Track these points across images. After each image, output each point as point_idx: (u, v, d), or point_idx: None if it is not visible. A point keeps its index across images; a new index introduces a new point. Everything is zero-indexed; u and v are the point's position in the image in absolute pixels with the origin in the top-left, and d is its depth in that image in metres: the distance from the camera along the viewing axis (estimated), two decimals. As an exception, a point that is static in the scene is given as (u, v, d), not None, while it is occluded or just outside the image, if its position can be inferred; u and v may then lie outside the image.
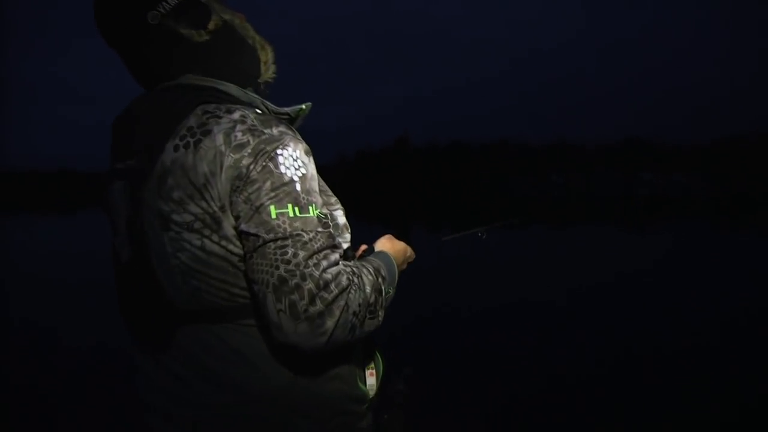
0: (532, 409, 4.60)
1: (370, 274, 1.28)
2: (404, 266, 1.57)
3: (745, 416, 4.44)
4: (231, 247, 1.18)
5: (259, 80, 1.40)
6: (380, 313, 1.28)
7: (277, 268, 1.11)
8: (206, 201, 1.15)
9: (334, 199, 1.37)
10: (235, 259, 1.19)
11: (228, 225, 1.17)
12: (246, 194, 1.14)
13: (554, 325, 7.08)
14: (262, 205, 1.13)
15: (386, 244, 1.53)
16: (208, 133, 1.16)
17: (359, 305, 1.19)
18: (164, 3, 1.25)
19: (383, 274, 1.33)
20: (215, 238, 1.17)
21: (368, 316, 1.23)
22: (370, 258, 1.39)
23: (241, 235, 1.16)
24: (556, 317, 7.46)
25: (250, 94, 1.33)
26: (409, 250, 1.60)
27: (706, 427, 4.27)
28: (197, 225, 1.17)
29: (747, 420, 4.39)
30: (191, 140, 1.17)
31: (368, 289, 1.23)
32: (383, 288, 1.30)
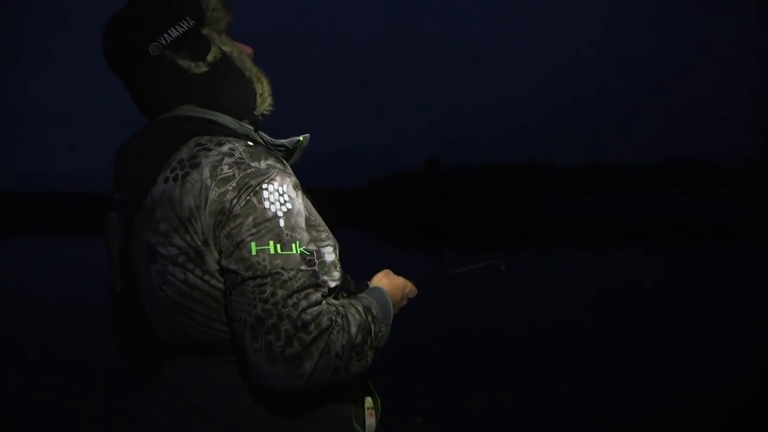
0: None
1: (358, 313, 1.24)
2: (404, 302, 1.55)
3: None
4: (214, 282, 1.16)
5: (255, 112, 1.40)
6: (369, 353, 1.24)
7: (255, 306, 1.09)
8: (190, 235, 1.14)
9: (325, 234, 1.31)
10: (218, 294, 1.17)
11: (211, 260, 1.15)
12: (228, 229, 1.13)
13: (585, 357, 6.94)
14: (242, 241, 1.12)
15: (383, 279, 1.49)
16: (196, 166, 1.16)
17: (342, 347, 1.15)
18: (166, 35, 1.27)
19: (374, 312, 1.29)
20: (198, 272, 1.16)
21: (354, 357, 1.19)
22: (361, 295, 1.34)
23: (223, 270, 1.15)
24: (584, 349, 7.31)
25: (246, 126, 1.34)
26: (409, 285, 1.56)
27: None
28: (181, 259, 1.16)
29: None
30: (180, 173, 1.17)
31: (354, 329, 1.20)
32: (372, 328, 1.26)
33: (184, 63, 1.30)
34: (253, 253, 1.12)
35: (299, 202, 1.21)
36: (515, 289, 11.85)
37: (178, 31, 1.29)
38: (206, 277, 1.17)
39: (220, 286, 1.17)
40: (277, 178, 1.18)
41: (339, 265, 1.34)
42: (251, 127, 1.36)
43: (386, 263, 1.41)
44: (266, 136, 1.37)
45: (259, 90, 1.39)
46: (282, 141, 1.40)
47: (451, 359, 6.90)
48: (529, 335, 7.99)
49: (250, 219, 1.13)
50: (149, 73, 1.30)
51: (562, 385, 5.84)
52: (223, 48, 1.34)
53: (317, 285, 1.17)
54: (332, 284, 1.30)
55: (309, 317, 1.11)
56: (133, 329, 1.30)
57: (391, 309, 1.40)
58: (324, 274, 1.26)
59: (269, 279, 1.11)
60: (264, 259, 1.12)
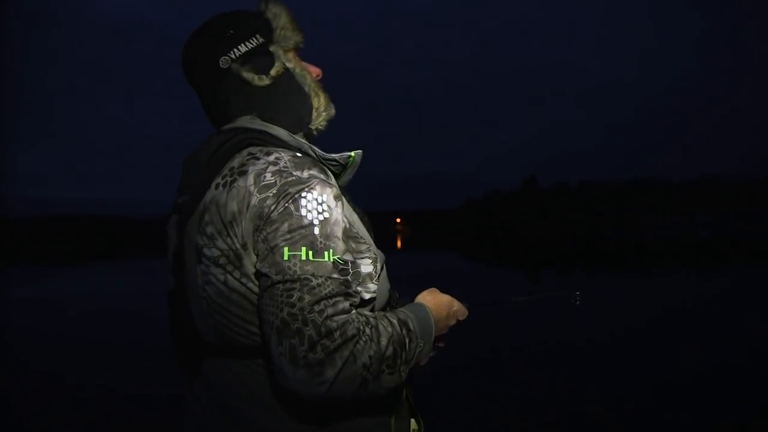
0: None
1: (390, 325, 1.24)
2: (451, 321, 1.51)
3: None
4: (250, 285, 1.20)
5: (310, 126, 1.46)
6: (402, 368, 1.25)
7: (282, 310, 1.12)
8: (231, 238, 1.19)
9: (365, 246, 1.30)
10: (253, 297, 1.21)
11: (249, 263, 1.19)
12: (264, 234, 1.16)
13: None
14: (276, 245, 1.15)
15: (426, 296, 1.48)
16: (243, 173, 1.22)
17: (370, 357, 1.16)
18: (236, 49, 1.37)
19: (411, 326, 1.29)
20: (237, 274, 1.20)
21: (386, 370, 1.20)
22: (399, 309, 1.36)
23: (257, 274, 1.18)
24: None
25: (299, 138, 1.37)
26: (456, 305, 1.53)
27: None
28: (222, 260, 1.21)
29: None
30: (229, 179, 1.23)
31: (384, 341, 1.20)
32: (407, 342, 1.26)
33: (248, 75, 1.37)
34: (285, 258, 1.14)
35: (338, 212, 1.22)
36: (610, 310, 11.09)
37: (247, 46, 1.38)
38: (243, 280, 1.20)
39: (256, 289, 1.19)
40: (317, 187, 1.20)
41: (378, 278, 1.32)
42: (304, 141, 1.36)
43: (479, 282, 1.58)
44: (318, 150, 1.36)
45: (315, 104, 1.45)
46: (333, 156, 1.37)
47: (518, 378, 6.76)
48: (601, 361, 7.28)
49: (286, 225, 1.15)
50: (217, 84, 1.38)
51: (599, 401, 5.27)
52: (287, 64, 1.41)
53: (347, 294, 1.18)
54: (366, 296, 1.28)
55: (334, 324, 1.11)
56: (181, 327, 1.37)
57: (433, 325, 1.37)
58: (358, 284, 1.25)
59: (298, 284, 1.12)
60: (295, 264, 1.13)
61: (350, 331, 1.13)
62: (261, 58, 1.39)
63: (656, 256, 31.26)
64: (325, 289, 1.14)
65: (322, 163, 1.34)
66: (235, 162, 1.26)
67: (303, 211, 1.17)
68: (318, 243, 1.16)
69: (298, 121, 1.43)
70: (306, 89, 1.44)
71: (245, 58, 1.38)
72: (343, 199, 1.29)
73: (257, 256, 1.18)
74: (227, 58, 1.37)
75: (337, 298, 1.15)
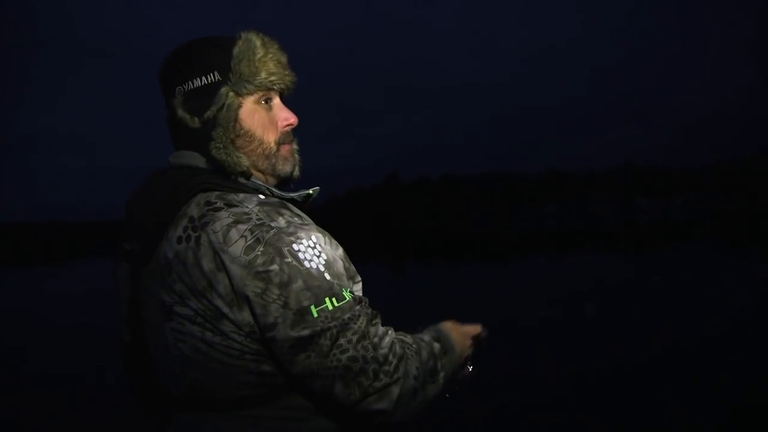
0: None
1: (423, 341, 1.36)
2: (467, 341, 1.55)
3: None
4: (232, 342, 1.19)
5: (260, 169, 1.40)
6: (440, 377, 1.35)
7: (339, 360, 1.17)
8: (207, 299, 1.17)
9: (353, 269, 1.32)
10: (235, 353, 1.20)
11: (231, 321, 1.18)
12: (279, 300, 1.15)
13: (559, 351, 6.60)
14: (302, 307, 1.15)
15: (447, 324, 1.53)
16: (205, 226, 1.19)
17: (417, 368, 1.27)
18: (190, 82, 1.33)
19: (441, 342, 1.41)
20: (217, 332, 1.19)
21: (429, 380, 1.31)
22: (425, 330, 1.47)
23: (282, 340, 1.17)
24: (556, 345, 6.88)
25: (255, 180, 1.34)
26: (465, 327, 1.57)
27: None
28: (199, 319, 1.19)
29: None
30: (192, 234, 1.20)
31: (424, 353, 1.32)
32: (437, 354, 1.36)
33: (182, 114, 1.32)
34: (315, 315, 1.16)
35: (329, 249, 1.23)
36: (475, 298, 11.68)
37: (200, 82, 1.33)
38: (224, 337, 1.19)
39: (239, 346, 1.19)
40: (302, 234, 1.20)
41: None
42: (261, 181, 1.35)
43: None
44: (275, 189, 1.35)
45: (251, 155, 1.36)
46: (292, 194, 1.37)
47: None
48: (492, 341, 7.41)
49: (299, 283, 1.15)
50: (172, 112, 1.34)
51: (525, 388, 5.74)
52: (227, 109, 1.32)
53: (373, 318, 1.25)
54: None
55: (386, 350, 1.21)
56: (142, 380, 1.35)
57: (451, 339, 1.46)
58: None
59: (336, 331, 1.17)
60: (327, 317, 1.16)
61: (398, 350, 1.24)
62: (203, 99, 1.32)
63: (511, 245, 32.94)
64: (359, 322, 1.20)
65: (284, 203, 1.31)
66: (194, 212, 1.22)
67: (306, 264, 1.17)
68: (335, 287, 1.19)
69: (235, 167, 1.33)
70: (231, 136, 1.33)
71: (190, 95, 1.32)
72: (324, 231, 1.27)
73: (260, 317, 1.16)
74: (180, 89, 1.33)
75: (372, 328, 1.22)
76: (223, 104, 1.32)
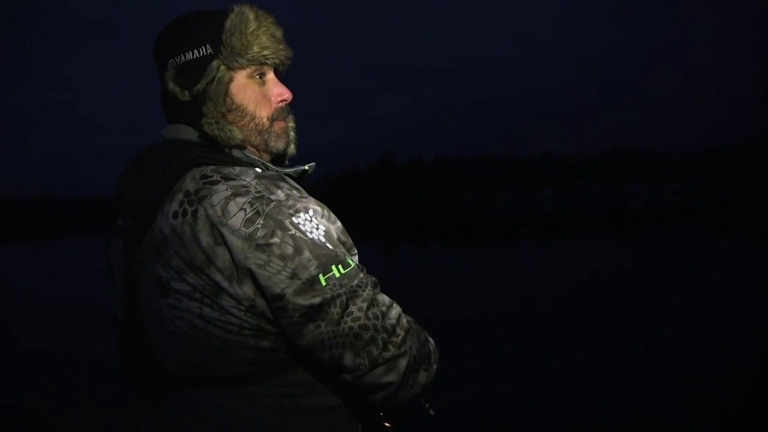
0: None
1: (421, 329, 1.33)
2: None
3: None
4: (230, 317, 1.18)
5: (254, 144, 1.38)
6: (433, 368, 1.32)
7: (351, 328, 1.17)
8: (205, 273, 1.16)
9: (350, 242, 1.30)
10: (234, 328, 1.19)
11: (231, 296, 1.17)
12: (285, 270, 1.14)
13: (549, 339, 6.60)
14: (311, 276, 1.15)
15: None
16: (203, 199, 1.18)
17: (417, 348, 1.25)
18: (182, 55, 1.31)
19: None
20: (215, 307, 1.18)
21: (423, 364, 1.28)
22: None
23: (291, 310, 1.16)
24: (541, 340, 6.92)
25: (249, 154, 1.34)
26: None
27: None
28: (197, 295, 1.18)
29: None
30: (189, 208, 1.18)
31: (423, 335, 1.30)
32: (433, 349, 1.34)
33: (173, 88, 1.31)
34: (324, 283, 1.15)
35: (327, 219, 1.22)
36: (467, 281, 11.69)
37: (192, 55, 1.31)
38: (223, 312, 1.18)
39: (237, 321, 1.18)
40: (300, 206, 1.19)
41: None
42: (255, 156, 1.34)
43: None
44: (270, 164, 1.35)
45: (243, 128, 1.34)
46: (288, 170, 1.36)
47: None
48: (484, 325, 7.65)
49: (306, 254, 1.15)
50: (164, 84, 1.33)
51: (517, 375, 5.71)
52: (217, 82, 1.31)
53: (376, 284, 1.25)
54: None
55: (394, 321, 1.22)
56: (137, 358, 1.34)
57: None
58: None
59: (346, 298, 1.17)
60: (335, 285, 1.16)
61: (405, 324, 1.24)
62: (194, 72, 1.30)
63: (504, 228, 33.00)
64: (368, 290, 1.21)
65: (282, 175, 1.30)
66: (189, 186, 1.21)
67: (309, 234, 1.16)
68: (339, 254, 1.19)
69: (229, 141, 1.32)
70: (222, 110, 1.31)
71: (181, 68, 1.31)
72: (321, 204, 1.25)
73: (264, 289, 1.15)
74: (173, 62, 1.31)
75: (378, 295, 1.23)
76: (213, 77, 1.31)
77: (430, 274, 13.59)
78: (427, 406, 1.46)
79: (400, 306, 1.28)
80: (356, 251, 1.31)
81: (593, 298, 10.04)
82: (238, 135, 1.31)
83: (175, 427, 1.31)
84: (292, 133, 1.42)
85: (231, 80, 1.32)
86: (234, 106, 1.33)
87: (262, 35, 1.33)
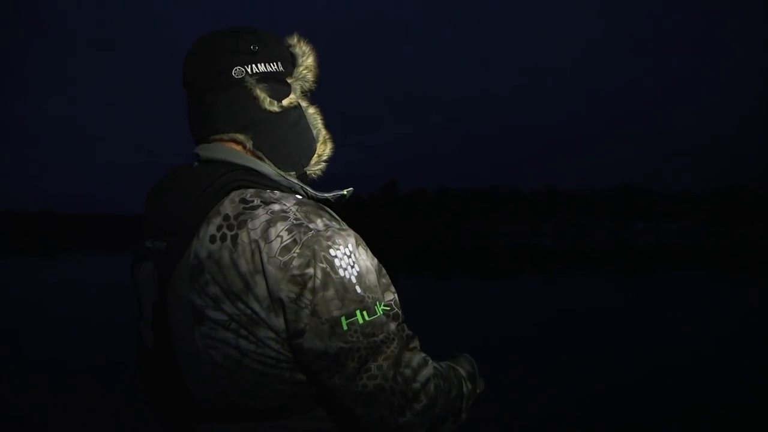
0: None
1: (458, 378, 1.31)
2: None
3: None
4: (267, 350, 1.14)
5: (305, 169, 1.37)
6: (462, 417, 1.31)
7: (365, 386, 1.11)
8: (243, 302, 1.11)
9: (386, 281, 1.24)
10: (271, 361, 1.15)
11: (268, 327, 1.12)
12: (310, 306, 1.10)
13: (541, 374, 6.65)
14: (332, 317, 1.10)
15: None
16: (243, 225, 1.13)
17: (442, 408, 1.20)
18: (254, 65, 1.28)
19: (473, 383, 1.38)
20: (252, 338, 1.13)
21: (450, 419, 1.27)
22: (463, 360, 1.43)
23: (308, 349, 1.11)
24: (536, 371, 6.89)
25: (290, 178, 1.29)
26: None
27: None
28: (233, 325, 1.13)
29: None
30: (228, 233, 1.13)
31: (454, 392, 1.25)
32: (466, 396, 1.32)
33: (260, 94, 1.27)
34: (345, 328, 1.10)
35: (364, 258, 1.17)
36: (466, 313, 11.69)
37: (267, 68, 1.29)
38: (260, 344, 1.13)
39: (274, 354, 1.14)
40: (339, 240, 1.14)
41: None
42: (296, 181, 1.30)
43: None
44: (310, 189, 1.31)
45: (319, 151, 1.37)
46: (326, 195, 1.33)
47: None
48: (480, 358, 7.43)
49: (331, 292, 1.10)
50: (220, 91, 1.26)
51: (508, 410, 5.65)
52: (301, 102, 1.33)
53: (409, 342, 1.18)
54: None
55: (418, 386, 1.14)
56: (164, 388, 1.28)
57: (482, 384, 1.44)
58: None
59: (366, 354, 1.11)
60: (356, 332, 1.11)
61: (432, 390, 1.16)
62: (277, 85, 1.29)
63: (504, 261, 32.95)
64: (392, 346, 1.14)
65: (321, 205, 1.26)
66: (228, 210, 1.16)
67: (341, 272, 1.11)
68: (367, 300, 1.13)
69: (294, 161, 1.33)
70: (314, 132, 1.36)
71: (262, 77, 1.28)
72: (360, 238, 1.21)
73: (293, 324, 1.11)
74: (242, 69, 1.27)
75: (407, 354, 1.16)
76: (298, 96, 1.33)
77: (430, 304, 13.55)
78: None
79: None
80: (394, 290, 1.25)
81: (590, 334, 10.02)
82: (315, 160, 1.36)
83: None
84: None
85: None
86: (315, 126, 1.37)
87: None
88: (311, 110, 1.36)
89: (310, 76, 1.35)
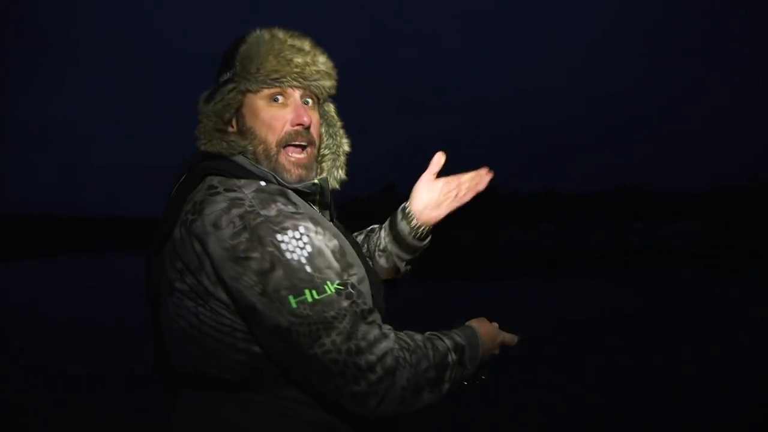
0: None
1: (434, 350, 1.29)
2: (496, 350, 1.52)
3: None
4: (222, 318, 1.22)
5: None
6: (445, 387, 1.29)
7: (318, 358, 1.14)
8: (196, 276, 1.22)
9: (345, 262, 1.27)
10: (225, 329, 1.22)
11: (217, 300, 1.21)
12: (258, 286, 1.16)
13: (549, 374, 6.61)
14: (280, 296, 1.15)
15: (473, 322, 1.50)
16: (202, 210, 1.22)
17: (408, 380, 1.20)
18: (222, 75, 1.41)
19: (465, 352, 1.35)
20: (207, 308, 1.22)
21: (427, 389, 1.25)
22: (455, 333, 1.40)
23: (260, 324, 1.18)
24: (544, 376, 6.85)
25: (262, 168, 1.36)
26: (502, 335, 1.53)
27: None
28: (192, 295, 1.24)
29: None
30: (190, 218, 1.24)
31: (425, 364, 1.25)
32: (452, 365, 1.31)
33: (203, 105, 1.40)
34: (294, 306, 1.14)
35: (318, 240, 1.21)
36: (465, 315, 11.41)
37: (223, 77, 1.41)
38: (214, 312, 1.22)
39: (228, 323, 1.22)
40: (289, 224, 1.19)
41: (374, 293, 1.35)
42: (268, 170, 1.36)
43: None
44: (281, 178, 1.36)
45: (254, 149, 1.38)
46: (297, 185, 1.37)
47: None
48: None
49: (279, 272, 1.15)
50: (214, 93, 1.41)
51: (510, 412, 5.62)
52: (227, 103, 1.38)
53: (364, 316, 1.20)
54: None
55: (374, 358, 1.16)
56: (157, 357, 1.41)
57: (479, 352, 1.41)
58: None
59: (316, 327, 1.14)
60: (305, 309, 1.15)
61: (389, 362, 1.18)
62: (213, 94, 1.39)
63: (503, 263, 32.94)
64: (344, 321, 1.16)
65: (285, 190, 1.30)
66: (197, 196, 1.27)
67: (288, 255, 1.16)
68: (316, 279, 1.17)
69: (229, 150, 1.38)
70: (219, 127, 1.39)
71: (218, 87, 1.40)
72: (318, 219, 1.28)
73: (241, 299, 1.18)
74: (226, 73, 1.41)
75: (363, 327, 1.18)
76: (222, 98, 1.37)
77: (428, 306, 13.54)
78: (483, 378, 1.49)
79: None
80: (354, 271, 1.27)
81: (590, 334, 10.00)
82: (238, 144, 1.37)
83: (174, 423, 1.34)
84: (308, 163, 1.41)
85: (242, 103, 1.38)
86: (245, 128, 1.38)
87: (272, 58, 1.34)
88: (247, 112, 1.42)
89: (249, 75, 1.39)
